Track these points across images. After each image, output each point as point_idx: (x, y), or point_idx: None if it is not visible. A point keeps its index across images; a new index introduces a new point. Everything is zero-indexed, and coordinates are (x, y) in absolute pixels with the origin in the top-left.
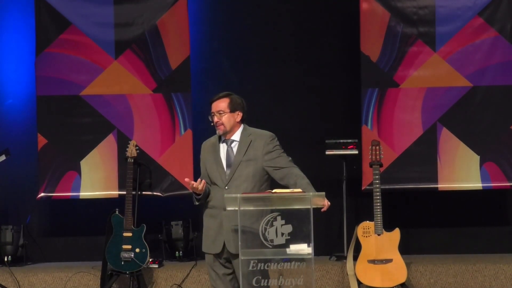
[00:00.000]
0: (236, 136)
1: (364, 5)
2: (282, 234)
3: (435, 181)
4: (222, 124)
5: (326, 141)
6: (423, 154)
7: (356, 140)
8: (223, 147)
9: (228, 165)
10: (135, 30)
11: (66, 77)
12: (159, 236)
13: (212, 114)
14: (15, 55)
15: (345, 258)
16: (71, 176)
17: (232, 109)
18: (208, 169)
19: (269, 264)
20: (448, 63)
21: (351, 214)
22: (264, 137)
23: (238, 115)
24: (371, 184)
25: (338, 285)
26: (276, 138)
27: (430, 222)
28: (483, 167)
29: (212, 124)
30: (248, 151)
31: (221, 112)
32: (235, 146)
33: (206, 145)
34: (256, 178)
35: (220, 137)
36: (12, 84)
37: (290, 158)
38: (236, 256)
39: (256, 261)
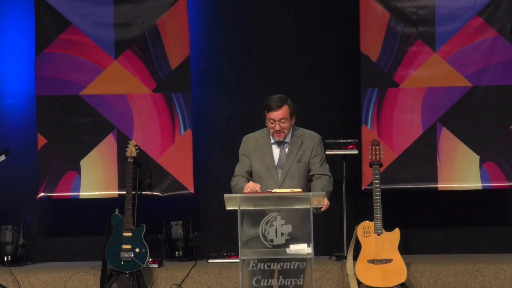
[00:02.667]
0: (288, 137)
1: (363, 5)
2: (282, 234)
3: (435, 181)
4: (283, 132)
5: (326, 141)
6: (423, 154)
7: (356, 140)
8: (275, 148)
9: (279, 167)
10: (135, 30)
11: (66, 77)
12: (159, 236)
13: (272, 121)
14: (15, 55)
15: (345, 258)
16: (71, 176)
17: (290, 115)
18: (256, 167)
19: (269, 264)
20: (448, 63)
21: (351, 214)
22: (313, 138)
23: (293, 119)
24: (371, 184)
25: (338, 285)
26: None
27: (430, 222)
28: (483, 167)
29: (272, 130)
30: (298, 153)
31: (283, 120)
32: (286, 148)
33: (250, 140)
34: (306, 177)
35: (268, 136)
36: (12, 84)
37: (327, 166)
38: None
39: (256, 261)
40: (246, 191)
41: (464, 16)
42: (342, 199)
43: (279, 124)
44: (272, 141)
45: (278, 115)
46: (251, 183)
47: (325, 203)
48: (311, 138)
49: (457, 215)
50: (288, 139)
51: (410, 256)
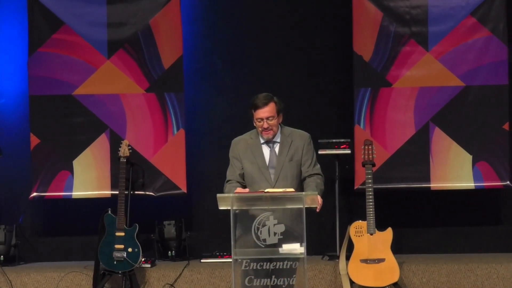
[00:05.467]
0: (277, 137)
1: (356, 5)
2: (275, 233)
3: (428, 180)
4: (272, 129)
5: (319, 141)
6: (416, 154)
7: (349, 140)
8: (265, 148)
9: (271, 166)
10: (128, 29)
11: (59, 77)
12: (152, 235)
13: (260, 119)
14: (7, 54)
15: (338, 257)
16: (63, 176)
17: (278, 112)
18: (248, 169)
19: (262, 263)
20: (440, 63)
21: (344, 213)
22: (303, 137)
23: (280, 117)
24: (363, 183)
25: (331, 285)
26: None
27: (422, 221)
28: (476, 166)
29: (260, 129)
30: (289, 152)
31: (271, 117)
32: (276, 147)
33: (240, 143)
34: (299, 176)
35: (257, 137)
36: (4, 83)
37: (318, 165)
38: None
39: (248, 260)
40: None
41: (457, 16)
42: (335, 199)
43: (266, 122)
44: (262, 141)
45: (265, 113)
46: (238, 189)
47: (319, 201)
48: (301, 137)
49: (449, 214)
50: (277, 139)
51: (402, 256)
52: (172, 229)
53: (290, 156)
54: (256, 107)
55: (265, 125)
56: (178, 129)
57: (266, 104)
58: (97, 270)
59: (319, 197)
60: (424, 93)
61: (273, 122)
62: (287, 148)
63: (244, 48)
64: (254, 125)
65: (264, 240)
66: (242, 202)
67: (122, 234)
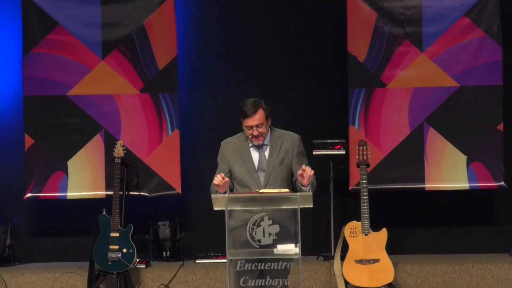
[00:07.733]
0: (267, 140)
1: (351, 5)
2: (270, 234)
3: (422, 181)
4: (262, 136)
5: (313, 141)
6: (410, 154)
7: (343, 140)
8: (254, 151)
9: (260, 169)
10: (122, 30)
11: (53, 77)
12: (146, 236)
13: (249, 127)
14: (2, 55)
15: (333, 258)
16: (58, 176)
17: (266, 118)
18: (237, 172)
19: (257, 264)
20: (435, 63)
21: (338, 214)
22: (293, 139)
23: (269, 121)
24: (358, 184)
25: (326, 285)
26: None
27: (417, 222)
28: (470, 167)
29: (250, 136)
30: (279, 155)
31: (260, 125)
32: (266, 150)
33: (228, 145)
34: (289, 179)
35: (246, 140)
36: None
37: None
38: None
39: (243, 261)
40: (216, 182)
41: (451, 16)
42: (330, 199)
43: (256, 130)
44: (250, 144)
45: (255, 121)
46: (216, 176)
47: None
48: (291, 138)
49: (444, 215)
50: (267, 141)
51: (397, 256)
52: (166, 230)
53: (280, 159)
54: (245, 115)
55: (255, 133)
56: (172, 129)
57: (255, 112)
58: (91, 270)
59: (308, 169)
60: (419, 93)
61: (262, 129)
62: (277, 151)
63: (238, 48)
64: (243, 130)
65: (259, 240)
66: (237, 203)
67: (117, 234)
